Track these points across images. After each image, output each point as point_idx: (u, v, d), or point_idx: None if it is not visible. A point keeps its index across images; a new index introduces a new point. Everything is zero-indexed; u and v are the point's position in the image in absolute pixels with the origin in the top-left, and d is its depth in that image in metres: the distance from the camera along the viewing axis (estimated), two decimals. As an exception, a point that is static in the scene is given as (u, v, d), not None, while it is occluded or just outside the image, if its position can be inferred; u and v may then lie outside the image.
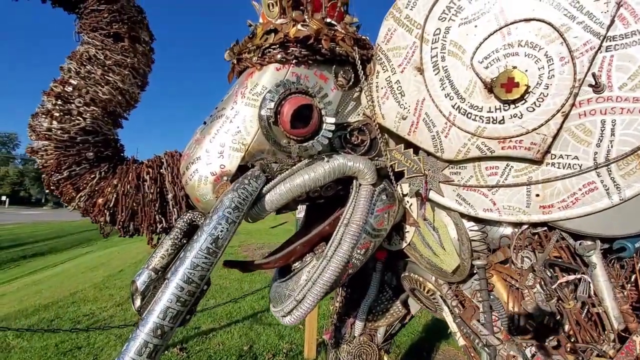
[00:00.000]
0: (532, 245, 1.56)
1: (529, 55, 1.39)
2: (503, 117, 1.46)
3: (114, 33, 1.50)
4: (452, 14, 1.52)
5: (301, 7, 1.79)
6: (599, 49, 1.28)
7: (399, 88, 1.69)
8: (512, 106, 1.43)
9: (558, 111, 1.35)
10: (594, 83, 1.30)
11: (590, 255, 1.44)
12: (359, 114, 1.84)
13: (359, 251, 1.73)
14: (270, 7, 1.79)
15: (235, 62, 1.80)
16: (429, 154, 1.69)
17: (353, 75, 1.75)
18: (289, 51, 1.61)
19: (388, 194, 1.83)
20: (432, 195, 1.72)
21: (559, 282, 1.45)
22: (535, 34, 1.37)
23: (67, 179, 1.46)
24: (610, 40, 1.28)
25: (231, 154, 1.57)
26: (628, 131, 1.28)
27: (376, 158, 1.85)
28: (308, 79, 1.66)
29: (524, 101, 1.41)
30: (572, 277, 1.47)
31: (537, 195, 1.47)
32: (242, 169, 1.62)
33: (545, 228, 1.54)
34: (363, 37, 1.80)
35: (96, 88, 1.48)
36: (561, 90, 1.34)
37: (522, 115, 1.42)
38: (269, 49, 1.63)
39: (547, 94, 1.37)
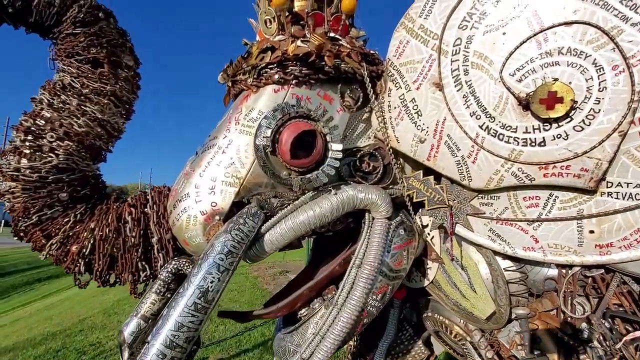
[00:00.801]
0: (585, 290, 1.29)
1: (572, 65, 1.15)
2: (544, 138, 1.22)
3: (91, 59, 1.34)
4: (475, 21, 1.31)
5: (301, 22, 1.61)
6: (663, 53, 1.05)
7: (415, 107, 1.47)
8: (555, 125, 1.19)
9: (614, 130, 1.10)
10: (659, 95, 1.06)
11: (662, 305, 1.16)
12: (369, 138, 1.63)
13: (374, 297, 1.48)
14: (268, 24, 1.62)
15: (230, 84, 1.62)
16: (453, 181, 1.45)
17: (361, 94, 1.54)
18: (287, 70, 1.42)
19: (406, 228, 1.58)
20: (460, 229, 1.47)
21: (623, 339, 1.16)
22: (580, 40, 1.14)
23: (36, 225, 1.27)
24: (676, 43, 1.04)
25: (224, 189, 1.36)
26: None
27: (391, 186, 1.62)
28: (310, 100, 1.46)
29: (569, 119, 1.17)
30: (639, 333, 1.19)
31: (592, 231, 1.21)
32: (237, 205, 1.41)
33: (602, 270, 1.27)
34: (371, 52, 1.60)
35: (71, 120, 1.31)
36: (616, 104, 1.10)
37: (567, 135, 1.18)
38: (266, 69, 1.44)
39: (599, 109, 1.13)
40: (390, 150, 1.56)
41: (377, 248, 1.46)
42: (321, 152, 1.35)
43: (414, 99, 1.48)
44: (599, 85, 1.12)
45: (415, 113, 1.48)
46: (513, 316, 1.49)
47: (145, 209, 1.42)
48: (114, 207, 1.42)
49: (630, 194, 1.13)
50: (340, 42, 1.49)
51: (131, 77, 1.48)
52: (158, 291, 1.30)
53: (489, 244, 1.41)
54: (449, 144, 1.41)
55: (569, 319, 1.30)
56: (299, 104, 1.35)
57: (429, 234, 1.66)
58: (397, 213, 1.60)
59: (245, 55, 1.54)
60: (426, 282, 1.76)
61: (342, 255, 1.60)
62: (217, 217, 1.35)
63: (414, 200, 1.54)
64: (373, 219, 1.54)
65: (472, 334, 1.68)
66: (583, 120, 1.15)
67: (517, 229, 1.34)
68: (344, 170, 1.57)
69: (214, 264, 1.24)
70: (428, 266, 1.74)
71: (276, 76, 1.41)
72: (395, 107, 1.53)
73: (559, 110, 1.15)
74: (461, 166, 1.39)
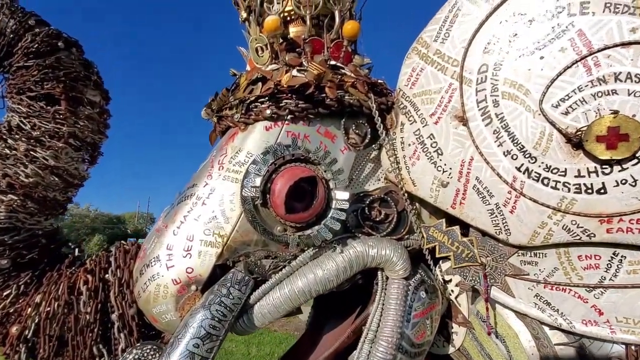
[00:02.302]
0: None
1: (635, 94, 0.93)
2: (603, 184, 0.97)
3: (45, 94, 1.11)
4: (504, 44, 1.10)
5: (297, 50, 1.41)
6: None
7: (434, 144, 1.24)
8: (618, 168, 0.95)
9: (702, 175, 0.86)
10: None
11: None
12: (379, 180, 1.38)
13: (394, 381, 1.18)
14: (259, 52, 1.42)
15: (215, 120, 1.40)
16: (485, 234, 1.19)
17: (369, 129, 1.31)
18: (281, 104, 1.19)
19: (428, 289, 1.31)
20: (497, 293, 1.19)
21: None
22: (643, 63, 0.92)
23: None
24: None
25: (203, 250, 1.10)
26: None
27: (407, 237, 1.36)
28: (309, 139, 1.23)
29: (636, 160, 0.93)
30: None
31: (676, 304, 0.93)
32: (221, 269, 1.14)
33: (694, 354, 0.98)
34: (379, 81, 1.39)
35: (17, 169, 1.07)
36: (701, 143, 0.86)
37: (636, 181, 0.93)
38: (256, 103, 1.22)
39: (678, 149, 0.88)
40: (405, 194, 1.31)
41: (395, 318, 1.18)
42: (323, 202, 1.10)
43: (432, 134, 1.24)
44: (674, 118, 0.89)
45: (434, 151, 1.24)
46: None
47: (106, 276, 1.15)
48: (67, 273, 1.15)
49: None
50: (343, 70, 1.28)
51: (97, 115, 1.25)
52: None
53: (536, 314, 1.12)
54: (478, 188, 1.16)
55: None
56: (295, 144, 1.11)
57: (452, 290, 1.38)
58: (415, 269, 1.33)
59: (233, 87, 1.33)
60: (451, 349, 1.46)
61: (352, 324, 1.31)
62: (193, 287, 1.08)
63: (437, 255, 1.27)
64: (387, 278, 1.27)
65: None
66: (657, 162, 0.91)
67: (573, 296, 1.06)
68: (351, 219, 1.30)
69: (187, 353, 0.96)
70: (453, 330, 1.44)
71: (268, 111, 1.18)
72: (409, 145, 1.29)
73: (625, 150, 0.91)
74: (496, 216, 1.13)
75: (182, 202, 1.17)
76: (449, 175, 1.21)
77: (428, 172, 1.26)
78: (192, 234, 1.10)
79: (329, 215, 1.12)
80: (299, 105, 1.18)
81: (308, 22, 1.43)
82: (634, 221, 0.94)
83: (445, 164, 1.22)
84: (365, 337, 1.20)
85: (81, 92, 1.19)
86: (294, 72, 1.23)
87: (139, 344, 1.07)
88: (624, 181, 0.95)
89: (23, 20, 1.10)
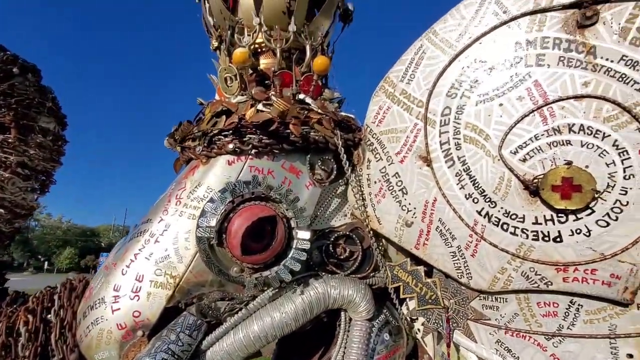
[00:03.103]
0: None
1: (588, 146, 0.95)
2: (559, 232, 0.98)
3: (-7, 122, 1.05)
4: (466, 89, 1.12)
5: (267, 82, 1.40)
6: (699, 137, 0.85)
7: (399, 183, 1.23)
8: (573, 217, 0.96)
9: (650, 229, 0.87)
10: (700, 187, 0.85)
11: None
12: (345, 216, 1.36)
13: None
14: (228, 82, 1.40)
15: (179, 150, 1.36)
16: (448, 276, 1.18)
17: (335, 165, 1.30)
18: (245, 139, 1.16)
19: (392, 330, 1.28)
20: (459, 338, 1.17)
21: None
22: (594, 116, 0.95)
23: None
24: None
25: (152, 292, 1.03)
26: None
27: (372, 274, 1.33)
28: (273, 174, 1.20)
29: (590, 210, 0.94)
30: None
31: (630, 355, 0.93)
32: (174, 311, 1.07)
33: (648, 407, 0.97)
34: (348, 116, 1.39)
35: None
36: (649, 197, 0.88)
37: (589, 231, 0.94)
38: (219, 136, 1.19)
39: (627, 202, 0.90)
40: (371, 231, 1.29)
41: (356, 362, 1.14)
42: (283, 242, 1.06)
43: (397, 173, 1.24)
44: (624, 171, 0.91)
45: (399, 190, 1.23)
46: None
47: (49, 316, 1.07)
48: (7, 312, 1.06)
49: (678, 309, 0.88)
50: (310, 106, 1.27)
51: (50, 143, 1.19)
52: None
53: (497, 361, 1.10)
54: (441, 230, 1.15)
55: None
56: (255, 182, 1.07)
57: (419, 329, 1.34)
58: (380, 309, 1.29)
59: (197, 118, 1.30)
60: (417, 391, 1.41)
61: None
62: (139, 333, 1.01)
63: (401, 296, 1.24)
64: (350, 319, 1.23)
65: None
66: (608, 214, 0.92)
67: (532, 344, 1.05)
68: (315, 257, 1.27)
69: (126, 407, 0.88)
70: (419, 370, 1.40)
71: (231, 145, 1.15)
72: (375, 182, 1.28)
73: (577, 200, 0.92)
74: (458, 259, 1.12)
75: (134, 238, 1.11)
76: (413, 215, 1.20)
77: (393, 211, 1.24)
78: (141, 274, 1.04)
79: (289, 256, 1.08)
80: (263, 141, 1.15)
81: (278, 55, 1.43)
82: (588, 271, 0.95)
83: (409, 204, 1.21)
84: (324, 384, 1.15)
85: (34, 119, 1.13)
86: (260, 106, 1.21)
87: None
88: (578, 231, 0.95)
89: None
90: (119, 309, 1.02)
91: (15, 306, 1.09)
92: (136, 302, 1.02)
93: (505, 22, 1.07)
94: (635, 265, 0.90)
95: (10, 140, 1.08)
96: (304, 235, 1.09)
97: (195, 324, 1.03)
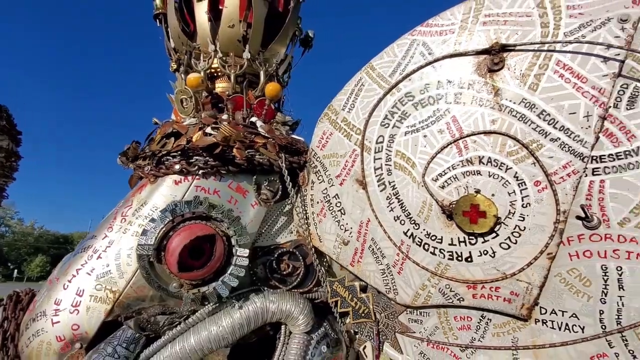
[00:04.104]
0: None
1: (494, 176, 1.07)
2: (470, 253, 1.08)
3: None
4: (397, 120, 1.23)
5: (220, 105, 1.48)
6: (584, 172, 0.98)
7: (339, 204, 1.32)
8: (481, 240, 1.07)
9: (542, 252, 0.99)
10: (583, 216, 0.97)
11: None
12: (291, 233, 1.44)
13: None
14: (184, 103, 1.47)
15: (133, 168, 1.41)
16: (379, 292, 1.26)
17: (281, 186, 1.38)
18: (191, 161, 1.24)
19: (330, 342, 1.35)
20: (388, 349, 1.25)
21: None
22: (499, 151, 1.07)
23: None
24: (599, 162, 0.98)
25: (91, 306, 1.08)
26: (639, 285, 0.92)
27: (315, 289, 1.41)
28: (219, 193, 1.27)
29: (495, 234, 1.05)
30: None
31: (529, 366, 1.04)
32: (116, 325, 1.12)
33: (546, 413, 1.07)
34: (296, 140, 1.48)
35: None
36: (542, 223, 1.00)
37: (494, 253, 1.05)
38: (167, 157, 1.26)
39: (525, 227, 1.02)
40: (313, 248, 1.37)
41: (292, 374, 1.20)
42: (222, 259, 1.13)
43: (337, 194, 1.33)
44: (522, 200, 1.03)
45: (338, 211, 1.32)
46: None
47: (-12, 329, 1.09)
48: None
49: (567, 324, 0.99)
50: (257, 130, 1.36)
51: (3, 159, 1.23)
52: None
53: (419, 371, 1.19)
54: (373, 249, 1.24)
55: None
56: (197, 202, 1.14)
57: (364, 344, 1.42)
58: (320, 322, 1.37)
59: (149, 139, 1.36)
60: (359, 402, 1.48)
61: None
62: (77, 345, 1.05)
63: (338, 310, 1.32)
64: (290, 332, 1.30)
65: None
66: (509, 238, 1.04)
67: (449, 355, 1.14)
68: (259, 272, 1.34)
69: (57, 419, 0.91)
70: (361, 382, 1.47)
71: (177, 166, 1.22)
72: (318, 202, 1.37)
73: (483, 225, 1.03)
74: (386, 276, 1.22)
75: (79, 254, 1.15)
76: (350, 234, 1.29)
77: (332, 230, 1.33)
78: (82, 288, 1.09)
79: (228, 272, 1.14)
80: (209, 163, 1.23)
81: (232, 80, 1.52)
82: (493, 289, 1.05)
83: (347, 223, 1.30)
84: (261, 394, 1.21)
85: (-17, 137, 1.17)
86: (208, 129, 1.29)
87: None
88: (485, 252, 1.06)
89: None
90: (59, 321, 1.06)
91: None
92: (75, 315, 1.06)
93: (430, 63, 1.19)
94: (530, 284, 1.01)
95: (-42, 157, 1.12)
96: (243, 252, 1.16)
97: (133, 338, 1.07)
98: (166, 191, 1.22)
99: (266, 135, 1.35)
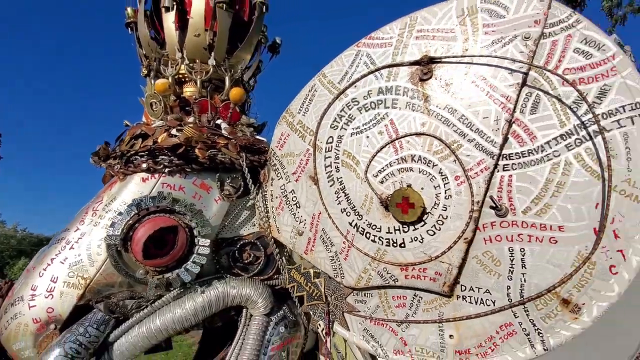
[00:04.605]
0: (454, 398, 1.24)
1: (423, 172, 1.22)
2: (403, 239, 1.24)
3: None
4: (344, 123, 1.38)
5: (187, 108, 1.61)
6: (495, 168, 1.14)
7: (294, 198, 1.46)
8: (412, 228, 1.22)
9: (460, 237, 1.15)
10: (494, 205, 1.13)
11: (522, 416, 1.14)
12: (254, 225, 1.57)
13: (246, 410, 1.32)
14: (154, 106, 1.59)
15: (105, 167, 1.52)
16: (330, 276, 1.41)
17: (243, 182, 1.51)
18: (157, 160, 1.36)
19: (288, 324, 1.49)
20: (337, 328, 1.40)
21: None
22: (428, 150, 1.22)
23: None
24: (507, 159, 1.14)
25: (65, 291, 1.19)
26: (539, 263, 1.08)
27: (275, 277, 1.54)
28: (184, 190, 1.39)
29: (423, 223, 1.21)
30: None
31: (451, 336, 1.20)
32: (87, 309, 1.24)
33: (467, 377, 1.24)
34: (257, 140, 1.61)
35: None
36: (460, 213, 1.16)
37: (423, 239, 1.21)
38: (135, 156, 1.37)
39: (447, 216, 1.18)
40: (272, 239, 1.51)
41: (251, 352, 1.34)
42: (184, 248, 1.26)
43: (293, 190, 1.47)
44: (445, 193, 1.18)
45: (294, 204, 1.46)
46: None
47: (-31, 314, 1.19)
48: None
49: (481, 299, 1.15)
50: (219, 132, 1.49)
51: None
52: None
53: (364, 345, 1.34)
54: (323, 238, 1.39)
55: None
56: (160, 197, 1.27)
57: (320, 325, 1.57)
58: (280, 306, 1.51)
59: (119, 139, 1.47)
60: (319, 379, 1.63)
61: (218, 357, 1.44)
62: (52, 326, 1.16)
63: (294, 295, 1.46)
64: (250, 316, 1.43)
65: None
66: (434, 225, 1.19)
67: (388, 330, 1.30)
68: (223, 261, 1.47)
69: (33, 389, 1.03)
70: (320, 361, 1.62)
71: (144, 165, 1.34)
72: (276, 197, 1.51)
73: (412, 215, 1.18)
74: (335, 262, 1.36)
75: (53, 245, 1.26)
76: (304, 225, 1.43)
77: (289, 222, 1.47)
78: (56, 275, 1.20)
79: (190, 260, 1.27)
80: (173, 162, 1.35)
81: (199, 85, 1.64)
82: (421, 270, 1.21)
83: (301, 216, 1.44)
84: (223, 370, 1.34)
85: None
86: (174, 131, 1.41)
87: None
88: (415, 238, 1.22)
89: None
90: (35, 305, 1.17)
91: None
92: (50, 300, 1.17)
93: (372, 72, 1.34)
94: (450, 265, 1.16)
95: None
96: (204, 242, 1.30)
97: (103, 320, 1.19)
98: (134, 188, 1.34)
99: (228, 136, 1.48)
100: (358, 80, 1.36)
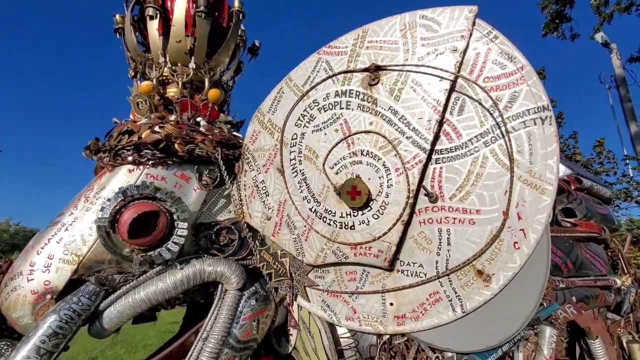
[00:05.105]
0: (395, 357, 1.46)
1: (370, 165, 1.42)
2: (353, 223, 1.44)
3: None
4: (306, 121, 1.57)
5: (170, 107, 1.79)
6: (429, 161, 1.34)
7: (264, 188, 1.66)
8: (360, 212, 1.43)
9: (398, 220, 1.35)
10: (426, 193, 1.34)
11: (449, 370, 1.36)
12: (230, 212, 1.77)
13: (220, 369, 1.52)
14: (140, 105, 1.77)
15: (96, 159, 1.70)
16: (294, 256, 1.61)
17: (219, 174, 1.71)
18: (142, 153, 1.54)
19: (259, 298, 1.69)
20: (299, 300, 1.61)
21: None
22: (374, 145, 1.42)
23: None
24: (439, 154, 1.35)
25: (60, 266, 1.39)
26: (461, 241, 1.29)
27: (249, 257, 1.75)
28: (166, 180, 1.59)
29: (369, 208, 1.41)
30: None
31: (391, 304, 1.41)
32: (79, 282, 1.43)
33: (407, 338, 1.46)
34: (232, 136, 1.80)
35: None
36: (398, 199, 1.36)
37: (369, 222, 1.41)
38: (123, 150, 1.56)
39: (388, 202, 1.38)
40: (245, 224, 1.71)
41: (224, 320, 1.54)
42: (164, 230, 1.45)
43: (263, 180, 1.67)
44: (387, 182, 1.39)
45: (264, 193, 1.66)
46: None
47: (-23, 287, 1.38)
48: None
49: (416, 272, 1.37)
50: (197, 128, 1.67)
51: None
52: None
53: (322, 314, 1.55)
54: (288, 222, 1.59)
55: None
56: (144, 185, 1.46)
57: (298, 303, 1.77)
58: (252, 282, 1.71)
59: (108, 135, 1.66)
60: (290, 348, 1.85)
61: (197, 326, 1.64)
62: (48, 296, 1.36)
63: (265, 272, 1.67)
64: (226, 291, 1.63)
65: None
66: (378, 210, 1.40)
67: (341, 301, 1.51)
68: (202, 243, 1.67)
69: (34, 347, 1.23)
70: (290, 333, 1.84)
71: (130, 158, 1.53)
72: (249, 187, 1.71)
73: (359, 201, 1.39)
74: (297, 243, 1.57)
75: (49, 227, 1.45)
76: (272, 211, 1.63)
77: (259, 209, 1.67)
78: (53, 253, 1.39)
79: (170, 240, 1.47)
80: (156, 155, 1.54)
81: (180, 86, 1.82)
82: (367, 247, 1.41)
83: (270, 203, 1.64)
84: (200, 336, 1.54)
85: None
86: (157, 128, 1.60)
87: (1, 342, 1.32)
88: (363, 221, 1.42)
89: None
90: (33, 279, 1.36)
91: None
92: (47, 274, 1.37)
93: (330, 77, 1.53)
94: (390, 243, 1.37)
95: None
96: (182, 225, 1.49)
97: (94, 291, 1.38)
98: (122, 178, 1.52)
99: (205, 132, 1.67)
100: (318, 84, 1.56)
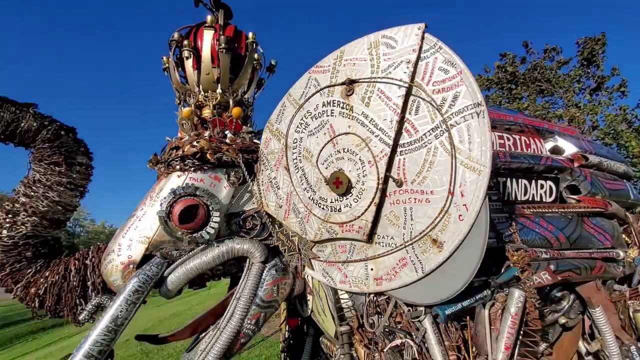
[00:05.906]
0: (378, 311, 1.82)
1: (350, 160, 1.79)
2: (340, 206, 1.82)
3: (53, 161, 2.04)
4: (303, 128, 1.98)
5: (205, 125, 2.33)
6: (393, 154, 1.67)
7: (276, 183, 2.11)
8: (344, 198, 1.80)
9: (371, 202, 1.70)
10: (394, 179, 1.67)
11: (421, 320, 1.68)
12: (253, 203, 2.26)
13: (249, 322, 2.02)
14: (184, 125, 2.34)
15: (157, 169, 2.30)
16: (300, 235, 2.04)
17: (242, 174, 2.20)
18: (186, 163, 2.09)
19: (278, 269, 2.16)
20: (308, 270, 2.04)
21: (388, 347, 1.68)
22: (352, 144, 1.78)
23: (8, 275, 1.90)
24: (402, 147, 1.66)
25: (137, 246, 1.99)
26: (420, 216, 1.60)
27: (270, 238, 2.22)
28: (203, 181, 2.12)
29: (350, 194, 1.78)
30: (395, 342, 1.70)
31: (372, 269, 1.77)
32: (148, 257, 2.02)
33: (387, 296, 1.81)
34: (252, 143, 2.28)
35: (38, 203, 1.98)
36: (371, 186, 1.71)
37: (351, 205, 1.78)
38: (173, 161, 2.12)
39: (364, 188, 1.74)
40: (264, 212, 2.18)
41: (252, 285, 2.04)
42: (203, 218, 1.98)
43: (275, 177, 2.12)
44: (363, 173, 1.74)
45: (276, 187, 2.12)
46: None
47: (86, 261, 2.04)
48: (64, 260, 2.04)
49: (389, 243, 1.70)
50: (224, 140, 2.18)
51: (84, 170, 2.17)
52: (84, 320, 1.88)
53: (323, 280, 1.96)
54: (294, 209, 2.02)
55: (371, 332, 1.82)
56: (187, 187, 2.00)
57: (307, 272, 2.22)
58: (273, 257, 2.18)
59: (163, 149, 2.24)
60: (309, 312, 2.29)
61: (232, 291, 2.17)
62: (131, 266, 1.96)
63: (281, 248, 2.13)
64: (252, 264, 2.13)
65: (336, 351, 2.18)
66: (358, 195, 1.76)
67: (336, 269, 1.90)
68: (234, 227, 2.18)
69: (124, 299, 1.83)
70: (308, 299, 2.29)
71: (178, 167, 2.08)
72: (265, 183, 2.17)
73: (342, 189, 1.77)
74: (301, 224, 1.99)
75: (130, 218, 2.07)
76: (283, 201, 2.08)
77: (273, 199, 2.13)
78: (132, 236, 1.99)
79: (208, 225, 1.99)
80: (195, 164, 2.07)
81: (212, 108, 2.35)
82: (351, 225, 1.78)
83: (281, 195, 2.09)
84: (234, 297, 2.05)
85: (74, 158, 2.11)
86: (195, 143, 2.13)
87: (97, 296, 1.96)
88: (347, 205, 1.79)
89: (41, 120, 2.03)
90: (121, 254, 1.98)
91: (68, 257, 2.08)
92: (129, 251, 1.97)
93: (318, 91, 1.92)
94: (367, 221, 1.73)
95: (62, 171, 2.07)
96: (215, 215, 2.01)
97: (160, 262, 1.96)
98: (173, 181, 2.09)
99: (230, 143, 2.16)
100: (311, 97, 1.95)
